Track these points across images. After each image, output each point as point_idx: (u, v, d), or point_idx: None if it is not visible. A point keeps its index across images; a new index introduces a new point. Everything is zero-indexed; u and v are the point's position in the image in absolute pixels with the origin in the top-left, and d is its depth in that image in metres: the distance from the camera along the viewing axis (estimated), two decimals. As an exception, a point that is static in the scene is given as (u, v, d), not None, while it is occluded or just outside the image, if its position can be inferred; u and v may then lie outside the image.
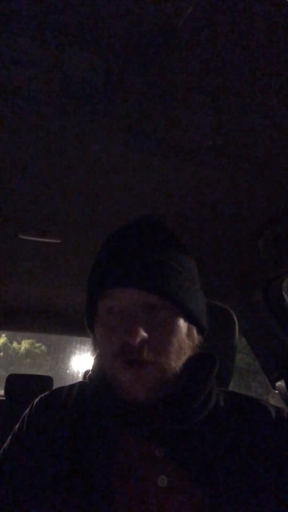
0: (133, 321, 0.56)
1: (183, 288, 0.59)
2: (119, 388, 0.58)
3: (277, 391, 1.52)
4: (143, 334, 0.56)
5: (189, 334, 0.61)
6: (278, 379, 1.50)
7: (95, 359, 0.67)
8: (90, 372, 0.67)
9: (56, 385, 2.17)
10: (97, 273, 0.63)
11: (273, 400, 1.52)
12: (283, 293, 1.51)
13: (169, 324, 0.58)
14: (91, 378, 0.66)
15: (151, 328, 0.57)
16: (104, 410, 0.62)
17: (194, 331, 0.63)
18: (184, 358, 0.60)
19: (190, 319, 0.61)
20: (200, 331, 0.64)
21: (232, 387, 0.95)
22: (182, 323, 0.60)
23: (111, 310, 0.60)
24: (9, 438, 0.67)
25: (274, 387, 1.53)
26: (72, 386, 0.71)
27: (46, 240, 1.35)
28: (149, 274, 0.57)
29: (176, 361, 0.58)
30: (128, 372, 0.56)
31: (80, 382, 0.72)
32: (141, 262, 0.58)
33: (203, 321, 0.64)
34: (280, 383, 1.49)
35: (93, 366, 0.67)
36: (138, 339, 0.55)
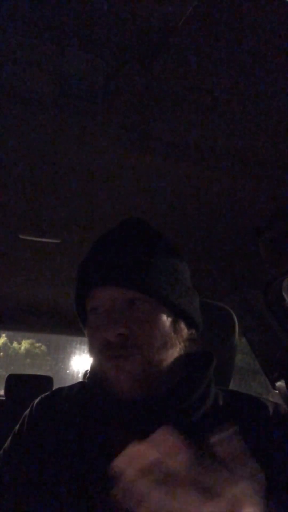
0: (111, 318, 0.58)
1: (163, 282, 0.60)
2: (107, 383, 0.59)
3: (277, 391, 1.52)
4: (122, 329, 0.57)
5: (175, 327, 0.61)
6: (278, 379, 1.50)
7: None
8: (88, 373, 0.67)
9: (56, 385, 2.17)
10: (80, 275, 0.65)
11: (273, 400, 1.52)
12: (283, 293, 1.51)
13: (149, 318, 0.59)
14: (89, 378, 0.66)
15: (131, 323, 0.58)
16: (100, 409, 0.62)
17: (182, 325, 0.63)
18: (172, 352, 0.60)
19: (175, 313, 0.61)
20: (191, 325, 0.64)
21: (232, 387, 0.94)
22: (165, 317, 0.60)
23: (94, 309, 0.62)
24: (10, 438, 0.67)
25: (274, 387, 1.53)
26: (72, 386, 0.71)
27: (46, 240, 1.35)
28: (126, 271, 0.59)
29: (161, 354, 0.59)
30: (112, 364, 0.58)
31: (80, 382, 0.72)
32: (118, 260, 0.60)
33: (191, 314, 0.64)
34: (280, 383, 1.49)
35: (91, 366, 0.67)
36: (116, 335, 0.57)
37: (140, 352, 0.57)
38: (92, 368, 0.66)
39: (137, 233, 0.65)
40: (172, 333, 0.61)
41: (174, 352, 0.61)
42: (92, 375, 0.66)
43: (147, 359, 0.57)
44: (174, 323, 0.62)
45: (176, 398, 0.59)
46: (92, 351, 0.62)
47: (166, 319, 0.60)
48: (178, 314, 0.62)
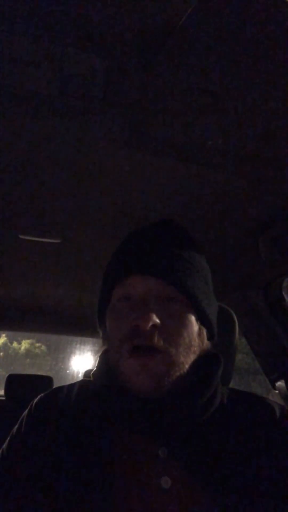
0: (146, 306, 0.56)
1: (198, 286, 0.60)
2: (124, 377, 0.57)
3: (277, 391, 1.52)
4: (156, 320, 0.55)
5: (199, 334, 0.61)
6: (278, 379, 1.50)
7: (100, 356, 0.67)
8: (94, 369, 0.66)
9: (56, 385, 2.16)
10: (114, 261, 0.64)
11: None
12: (283, 293, 1.51)
13: (182, 317, 0.58)
14: (95, 374, 0.65)
15: (164, 318, 0.57)
16: (107, 405, 0.61)
17: (204, 333, 0.63)
18: (192, 357, 0.60)
19: (201, 320, 0.61)
20: (210, 336, 0.64)
21: (232, 387, 0.94)
22: (194, 321, 0.60)
23: (125, 297, 0.60)
24: (8, 439, 0.66)
25: (274, 387, 1.53)
26: (73, 385, 0.70)
27: (46, 240, 1.35)
28: (167, 265, 0.58)
29: (185, 356, 0.58)
30: (135, 359, 0.56)
31: (80, 381, 0.71)
32: (160, 253, 0.59)
33: (214, 325, 0.64)
34: (280, 383, 1.49)
35: (98, 363, 0.66)
36: (150, 324, 0.55)
37: (167, 349, 0.56)
38: (102, 363, 0.64)
39: (177, 232, 0.65)
40: (197, 339, 0.61)
41: (193, 357, 0.60)
42: (99, 371, 0.64)
43: (172, 358, 0.56)
44: (200, 330, 0.61)
45: (184, 400, 0.58)
46: (114, 339, 0.59)
47: (194, 323, 0.60)
48: (203, 322, 0.62)
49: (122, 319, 0.59)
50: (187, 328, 0.58)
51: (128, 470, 0.56)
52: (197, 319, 0.60)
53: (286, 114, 0.75)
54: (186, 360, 0.58)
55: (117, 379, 0.59)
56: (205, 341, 0.63)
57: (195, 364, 0.61)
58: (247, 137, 0.82)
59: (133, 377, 0.56)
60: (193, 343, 0.59)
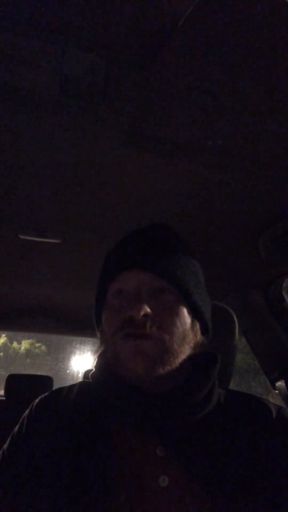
0: (138, 298, 0.58)
1: (189, 279, 0.62)
2: (119, 364, 0.58)
3: (277, 391, 1.52)
4: (147, 310, 0.57)
5: (192, 326, 0.62)
6: (278, 379, 1.50)
7: (98, 356, 0.67)
8: (93, 370, 0.67)
9: (56, 385, 2.17)
10: (108, 260, 0.66)
11: (273, 400, 1.52)
12: (283, 293, 1.51)
13: (174, 308, 0.60)
14: (93, 375, 0.66)
15: (156, 308, 0.58)
16: (105, 402, 0.61)
17: (198, 326, 0.63)
18: (187, 348, 0.61)
19: (194, 312, 0.62)
20: (204, 330, 0.64)
21: (232, 387, 0.94)
22: (186, 313, 0.61)
23: (119, 292, 0.62)
24: (8, 439, 0.67)
25: (274, 387, 1.53)
26: (72, 386, 0.71)
27: (46, 240, 1.35)
28: (158, 259, 0.60)
29: (179, 345, 0.59)
30: (129, 343, 0.57)
31: (80, 382, 0.72)
32: (151, 250, 0.61)
33: (207, 319, 0.65)
34: (280, 383, 1.49)
35: (96, 364, 0.67)
36: (142, 313, 0.56)
37: (161, 336, 0.57)
38: (100, 362, 0.65)
39: (167, 234, 0.67)
40: (190, 331, 0.62)
41: (188, 349, 0.61)
42: (97, 371, 0.65)
43: (166, 346, 0.57)
44: (193, 322, 0.62)
45: (181, 397, 0.59)
46: (108, 332, 0.61)
47: (187, 315, 0.61)
48: (196, 316, 0.63)
49: (116, 313, 0.60)
50: (179, 318, 0.60)
51: (127, 469, 0.56)
52: (189, 312, 0.62)
53: (286, 114, 0.75)
54: (181, 349, 0.59)
55: (114, 374, 0.60)
56: (199, 334, 0.64)
57: (191, 360, 0.62)
58: (247, 137, 0.82)
59: (128, 362, 0.57)
60: (186, 334, 0.60)
